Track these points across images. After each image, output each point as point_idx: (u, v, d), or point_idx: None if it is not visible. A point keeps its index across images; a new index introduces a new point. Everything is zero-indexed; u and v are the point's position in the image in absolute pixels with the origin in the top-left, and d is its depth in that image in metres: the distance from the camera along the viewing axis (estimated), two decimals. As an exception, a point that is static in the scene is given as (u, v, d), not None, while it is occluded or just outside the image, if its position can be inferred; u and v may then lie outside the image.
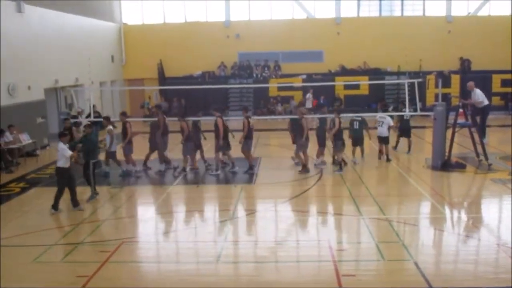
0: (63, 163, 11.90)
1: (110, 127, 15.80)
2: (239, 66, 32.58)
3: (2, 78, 19.01)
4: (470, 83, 17.64)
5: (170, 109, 29.98)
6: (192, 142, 15.87)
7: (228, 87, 29.74)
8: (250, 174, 15.62)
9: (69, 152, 11.84)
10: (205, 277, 8.59)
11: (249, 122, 15.72)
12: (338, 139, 15.92)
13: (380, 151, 17.65)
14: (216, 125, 15.57)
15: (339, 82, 27.67)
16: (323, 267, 8.78)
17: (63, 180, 12.05)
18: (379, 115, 18.29)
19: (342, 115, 16.60)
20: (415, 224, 10.92)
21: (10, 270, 8.98)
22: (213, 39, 32.25)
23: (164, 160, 16.23)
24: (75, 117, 21.00)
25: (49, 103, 23.63)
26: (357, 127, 16.97)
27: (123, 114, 16.83)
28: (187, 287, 8.12)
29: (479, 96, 16.17)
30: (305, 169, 15.66)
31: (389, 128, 17.39)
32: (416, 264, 8.58)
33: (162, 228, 11.46)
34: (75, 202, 12.23)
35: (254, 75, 32.08)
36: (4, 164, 17.27)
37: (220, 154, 15.89)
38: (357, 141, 17.25)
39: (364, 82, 27.84)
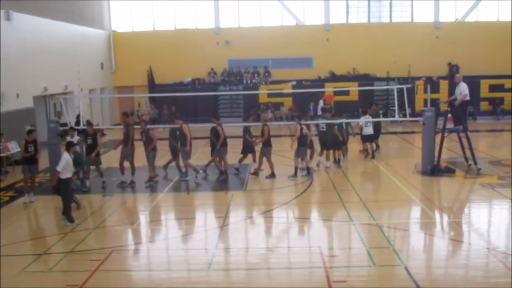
0: (68, 173, 11.74)
1: (77, 137, 15.25)
2: (229, 73, 32.60)
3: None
4: (458, 75, 17.58)
5: (160, 116, 29.93)
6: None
7: (218, 94, 29.72)
8: (223, 180, 15.79)
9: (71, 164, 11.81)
10: (196, 285, 8.54)
11: (223, 129, 15.94)
12: (301, 145, 15.83)
13: (365, 150, 18.79)
14: (216, 131, 15.78)
15: (329, 88, 27.74)
16: (314, 273, 8.77)
17: (69, 191, 11.91)
18: (364, 117, 18.67)
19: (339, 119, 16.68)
20: (405, 229, 10.95)
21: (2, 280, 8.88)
22: (203, 46, 32.28)
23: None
24: (64, 125, 20.83)
25: (38, 111, 23.47)
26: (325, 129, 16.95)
27: (125, 114, 16.64)
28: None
29: (464, 89, 16.06)
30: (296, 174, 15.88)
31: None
32: (406, 269, 8.60)
33: (152, 236, 11.39)
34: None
35: (244, 81, 32.11)
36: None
37: (218, 159, 16.03)
38: (332, 145, 17.15)
39: (354, 88, 27.94)
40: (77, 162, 12.97)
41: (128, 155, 15.42)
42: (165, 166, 16.78)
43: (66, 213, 11.67)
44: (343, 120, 18.01)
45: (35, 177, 14.35)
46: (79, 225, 11.67)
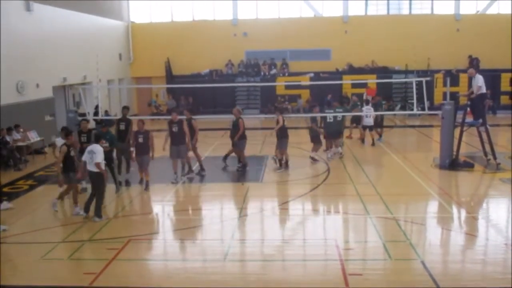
0: (102, 166, 11.54)
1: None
2: (246, 64, 32.56)
3: (11, 76, 19.12)
4: (471, 70, 17.29)
5: (178, 107, 30.05)
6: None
7: (236, 85, 29.73)
8: (242, 171, 15.87)
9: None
10: (212, 275, 8.59)
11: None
12: (282, 137, 15.82)
13: (362, 138, 20.34)
14: (237, 124, 15.63)
15: (347, 81, 27.60)
16: (330, 266, 8.76)
17: (105, 185, 11.74)
18: (366, 108, 20.00)
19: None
20: (422, 224, 10.87)
21: (18, 267, 9.04)
22: (221, 37, 32.26)
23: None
24: (83, 115, 21.03)
25: (58, 101, 23.72)
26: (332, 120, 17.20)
27: (190, 110, 16.05)
28: (194, 286, 8.13)
29: (478, 80, 15.80)
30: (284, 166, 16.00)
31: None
32: (423, 263, 8.54)
33: (169, 226, 11.47)
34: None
35: (262, 73, 32.05)
36: (13, 161, 17.36)
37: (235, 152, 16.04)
38: (332, 134, 17.44)
39: (372, 80, 27.71)
40: (112, 142, 13.17)
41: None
42: (225, 157, 16.65)
43: (98, 208, 11.50)
44: (347, 113, 18.03)
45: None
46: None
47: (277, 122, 15.86)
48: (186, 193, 14.03)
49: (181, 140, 14.49)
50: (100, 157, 11.41)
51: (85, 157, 11.58)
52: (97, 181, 11.51)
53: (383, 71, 31.16)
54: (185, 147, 14.70)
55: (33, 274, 8.74)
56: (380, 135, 20.93)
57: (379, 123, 20.91)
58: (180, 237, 10.72)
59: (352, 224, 11.21)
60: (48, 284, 8.35)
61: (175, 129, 14.43)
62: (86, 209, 11.57)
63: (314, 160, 16.90)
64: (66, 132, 12.24)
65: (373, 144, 19.93)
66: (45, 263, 9.16)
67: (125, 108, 15.64)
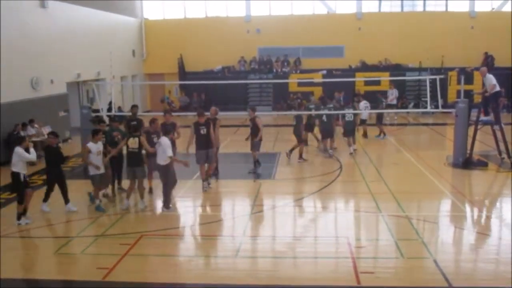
0: (164, 159, 11.65)
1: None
2: (259, 61, 32.54)
3: (26, 72, 19.30)
4: (483, 69, 17.11)
5: (191, 103, 30.16)
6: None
7: (248, 82, 29.73)
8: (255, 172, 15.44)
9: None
10: (223, 271, 8.64)
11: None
12: (256, 137, 15.23)
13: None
14: (255, 124, 15.15)
15: (360, 78, 27.47)
16: (342, 263, 8.76)
17: (171, 176, 11.92)
18: (364, 103, 20.44)
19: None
20: (435, 222, 10.81)
21: (32, 262, 9.15)
22: (234, 34, 32.26)
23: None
24: (96, 111, 21.19)
25: (71, 97, 23.92)
26: (326, 119, 17.36)
27: (253, 109, 15.56)
28: (206, 282, 8.18)
29: (491, 79, 15.67)
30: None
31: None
32: (435, 262, 8.51)
33: (180, 222, 11.52)
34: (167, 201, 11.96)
35: (274, 70, 32.01)
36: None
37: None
38: (328, 133, 17.68)
39: (385, 78, 27.59)
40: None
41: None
42: (290, 151, 16.94)
43: (166, 197, 11.79)
44: (350, 111, 18.10)
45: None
46: (110, 210, 11.92)
47: (259, 124, 15.21)
48: (197, 189, 14.06)
49: (209, 144, 13.45)
50: (169, 150, 11.59)
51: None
52: (166, 173, 11.69)
53: (397, 69, 30.94)
54: (213, 151, 13.74)
55: (47, 268, 8.85)
56: (384, 133, 21.17)
57: (379, 120, 21.23)
58: (192, 233, 10.80)
59: (364, 222, 11.18)
60: (62, 278, 8.45)
61: (203, 131, 13.31)
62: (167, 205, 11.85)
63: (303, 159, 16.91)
64: (93, 131, 12.14)
65: (365, 136, 20.98)
66: (59, 258, 9.27)
67: (135, 107, 15.13)
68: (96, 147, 11.80)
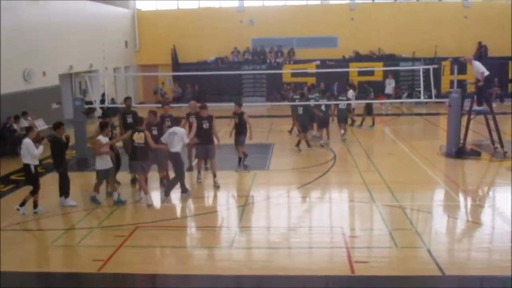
0: (180, 147, 11.92)
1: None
2: (253, 52, 32.46)
3: (18, 64, 19.18)
4: (467, 57, 17.06)
5: (184, 95, 30.08)
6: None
7: (242, 73, 29.69)
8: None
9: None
10: (218, 262, 8.68)
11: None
12: (240, 134, 14.49)
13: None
14: (242, 119, 14.34)
15: (353, 68, 27.50)
16: (336, 253, 8.82)
17: (182, 163, 12.15)
18: (350, 92, 20.85)
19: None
20: (428, 212, 10.89)
21: (28, 254, 9.15)
22: (227, 24, 32.15)
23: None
24: (89, 103, 21.13)
25: (64, 89, 23.81)
26: (324, 109, 17.56)
27: (239, 104, 14.57)
28: (201, 273, 8.21)
29: (479, 67, 15.66)
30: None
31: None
32: (429, 251, 8.58)
33: (175, 213, 11.54)
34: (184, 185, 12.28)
35: (268, 61, 31.95)
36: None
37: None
38: (324, 123, 17.81)
39: (379, 68, 27.63)
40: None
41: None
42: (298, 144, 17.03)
43: (182, 185, 12.10)
44: (345, 101, 18.41)
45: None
46: (105, 201, 11.92)
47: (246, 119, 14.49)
48: (192, 181, 14.07)
49: (210, 139, 13.28)
50: (186, 138, 11.88)
51: (165, 138, 11.85)
52: (178, 161, 11.91)
53: (390, 59, 30.99)
54: (214, 147, 13.41)
55: (43, 260, 8.87)
56: (373, 123, 21.39)
57: (369, 110, 21.30)
58: (187, 224, 10.82)
59: (358, 212, 11.24)
60: (58, 270, 8.46)
61: (205, 125, 13.13)
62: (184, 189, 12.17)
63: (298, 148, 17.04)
64: (102, 124, 11.95)
65: (352, 124, 21.17)
66: (55, 250, 9.29)
67: (128, 99, 14.65)
68: (105, 140, 11.75)
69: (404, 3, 32.55)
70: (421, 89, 18.15)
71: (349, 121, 20.69)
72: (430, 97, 18.94)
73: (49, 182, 13.93)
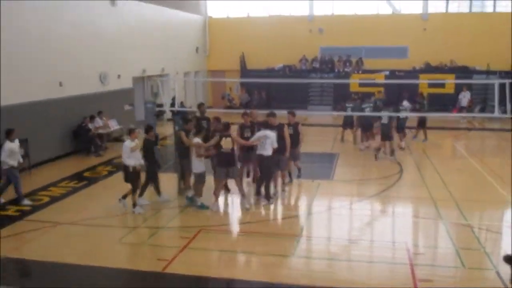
0: (271, 152, 12.06)
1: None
2: (321, 61, 32.31)
3: (95, 67, 20.03)
4: None
5: (251, 101, 30.36)
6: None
7: (309, 81, 29.60)
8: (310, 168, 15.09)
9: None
10: (278, 270, 8.67)
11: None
12: (296, 146, 13.49)
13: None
14: (297, 131, 13.50)
15: (423, 80, 26.76)
16: (399, 269, 8.59)
17: (272, 167, 12.40)
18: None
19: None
20: (498, 232, 10.43)
21: (97, 249, 9.52)
22: (296, 33, 32.15)
23: None
24: (160, 105, 21.74)
25: (136, 91, 24.62)
26: (387, 122, 16.96)
27: (292, 114, 13.69)
28: (259, 279, 8.24)
29: None
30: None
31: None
32: (498, 273, 8.20)
33: (238, 219, 11.64)
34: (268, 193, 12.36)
35: (336, 70, 31.70)
36: (94, 147, 18.24)
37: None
38: (387, 135, 17.09)
39: (450, 81, 26.75)
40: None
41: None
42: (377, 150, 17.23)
43: (267, 191, 12.24)
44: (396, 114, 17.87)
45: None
46: (170, 203, 12.21)
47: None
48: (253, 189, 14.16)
49: (283, 149, 12.60)
50: (275, 142, 12.01)
51: (256, 140, 12.08)
52: (268, 164, 12.11)
53: (463, 71, 29.91)
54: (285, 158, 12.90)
55: (110, 256, 9.19)
56: (425, 136, 20.58)
57: (421, 123, 20.41)
58: (249, 230, 10.88)
59: (423, 228, 10.92)
60: (124, 267, 8.75)
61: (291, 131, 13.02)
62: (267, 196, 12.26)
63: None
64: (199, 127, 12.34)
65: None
66: (122, 246, 9.62)
67: (202, 105, 14.42)
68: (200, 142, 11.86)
69: (479, 14, 31.38)
70: (496, 103, 17.40)
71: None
72: (504, 112, 18.13)
73: (119, 180, 14.42)
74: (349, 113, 19.43)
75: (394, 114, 17.51)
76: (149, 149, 11.95)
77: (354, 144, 19.53)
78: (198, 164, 11.78)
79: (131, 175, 11.56)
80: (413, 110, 20.47)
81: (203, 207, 11.80)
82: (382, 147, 17.33)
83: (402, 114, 18.37)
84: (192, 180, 12.38)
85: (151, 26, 25.20)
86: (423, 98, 21.54)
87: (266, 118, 12.79)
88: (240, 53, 32.37)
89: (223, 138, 11.59)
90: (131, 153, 11.46)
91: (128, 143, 11.46)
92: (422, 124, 20.48)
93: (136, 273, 8.56)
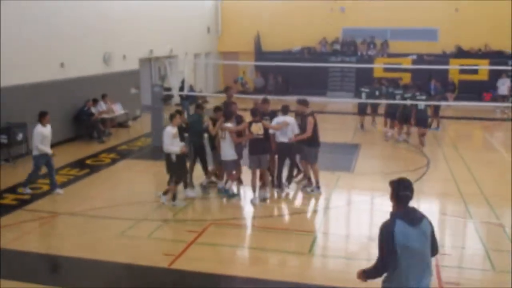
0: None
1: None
2: (342, 43, 32.07)
3: (98, 47, 20.08)
4: None
5: (266, 86, 30.28)
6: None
7: (329, 65, 29.42)
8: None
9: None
10: (293, 268, 8.71)
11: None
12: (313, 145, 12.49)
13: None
14: (305, 122, 12.34)
15: (454, 66, 26.48)
16: (423, 270, 8.55)
17: (294, 154, 12.56)
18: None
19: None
20: (533, 233, 10.34)
21: (98, 242, 9.61)
22: (316, 12, 31.93)
23: None
24: (168, 89, 21.77)
25: (143, 74, 24.66)
26: (423, 107, 17.38)
27: (305, 102, 12.43)
28: (272, 278, 8.27)
29: None
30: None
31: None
32: (531, 278, 8.16)
33: (252, 213, 11.67)
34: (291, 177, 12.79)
35: (359, 53, 31.47)
36: (97, 133, 18.33)
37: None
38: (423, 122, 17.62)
39: (483, 67, 26.45)
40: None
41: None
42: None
43: (290, 177, 12.61)
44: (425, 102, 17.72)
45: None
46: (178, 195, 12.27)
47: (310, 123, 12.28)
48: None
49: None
50: (296, 128, 12.13)
51: (277, 127, 12.11)
52: (289, 152, 12.28)
53: (498, 56, 29.49)
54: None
55: (113, 250, 9.28)
56: (438, 125, 21.03)
57: (435, 111, 20.68)
58: (263, 225, 10.90)
59: (451, 227, 10.87)
60: (128, 262, 8.82)
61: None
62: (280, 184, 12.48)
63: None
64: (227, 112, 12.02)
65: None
66: (124, 239, 9.70)
67: (229, 89, 14.31)
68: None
69: (518, -6, 30.91)
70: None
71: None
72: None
73: (123, 169, 14.56)
74: (374, 100, 19.30)
75: (422, 103, 17.40)
76: (195, 128, 12.21)
77: (371, 125, 20.01)
78: (229, 151, 11.73)
79: (174, 165, 11.35)
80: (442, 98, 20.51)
81: (234, 195, 12.12)
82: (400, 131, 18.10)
83: (432, 103, 18.37)
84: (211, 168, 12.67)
85: (159, 3, 25.15)
86: (454, 86, 21.54)
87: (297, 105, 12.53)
88: (255, 33, 32.22)
89: (254, 124, 11.65)
90: (174, 140, 11.36)
91: (170, 129, 11.34)
92: (435, 112, 20.73)
93: (138, 268, 8.61)
